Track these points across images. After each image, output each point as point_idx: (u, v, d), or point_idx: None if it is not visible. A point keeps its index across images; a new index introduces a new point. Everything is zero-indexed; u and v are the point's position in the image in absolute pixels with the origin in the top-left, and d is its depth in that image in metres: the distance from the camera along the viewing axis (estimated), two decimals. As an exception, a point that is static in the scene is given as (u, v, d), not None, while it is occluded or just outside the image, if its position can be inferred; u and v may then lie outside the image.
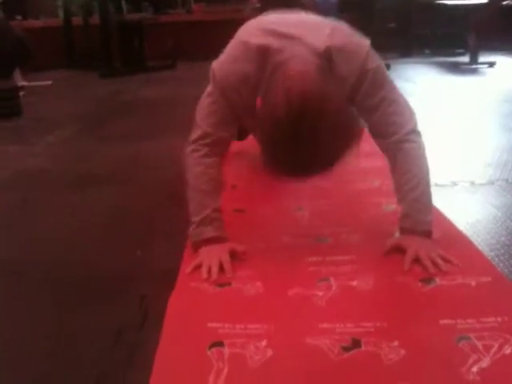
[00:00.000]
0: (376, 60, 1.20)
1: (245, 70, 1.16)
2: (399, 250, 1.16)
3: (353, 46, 1.18)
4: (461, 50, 4.85)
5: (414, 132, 1.21)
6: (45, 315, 1.05)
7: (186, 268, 1.14)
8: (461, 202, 1.52)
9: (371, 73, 1.17)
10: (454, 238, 1.25)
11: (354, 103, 1.18)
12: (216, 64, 1.21)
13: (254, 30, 1.23)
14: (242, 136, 1.83)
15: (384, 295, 1.03)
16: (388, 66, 4.26)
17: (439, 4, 4.62)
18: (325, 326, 0.91)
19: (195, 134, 1.23)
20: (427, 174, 1.21)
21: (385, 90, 1.20)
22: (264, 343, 0.87)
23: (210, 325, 0.93)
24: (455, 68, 4.27)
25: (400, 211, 1.21)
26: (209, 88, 1.23)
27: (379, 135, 1.23)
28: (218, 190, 1.24)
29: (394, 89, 1.23)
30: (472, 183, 1.64)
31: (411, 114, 1.23)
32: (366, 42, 1.19)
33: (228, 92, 1.18)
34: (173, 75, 4.47)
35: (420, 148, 1.21)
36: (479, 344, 0.84)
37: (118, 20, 4.69)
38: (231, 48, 1.22)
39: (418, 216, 1.18)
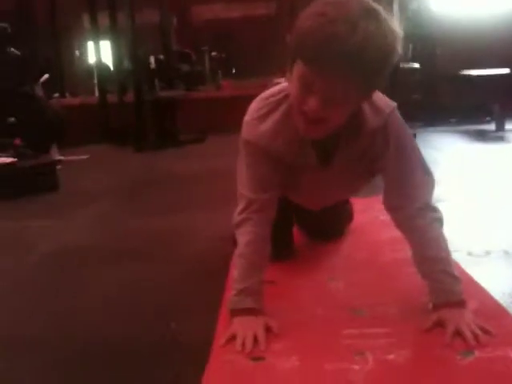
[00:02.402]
0: (401, 122, 1.23)
1: (266, 116, 1.21)
2: (438, 324, 1.14)
3: (381, 101, 1.21)
4: (487, 118, 4.90)
5: (427, 207, 1.22)
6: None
7: (220, 339, 1.14)
8: (495, 271, 1.50)
9: (394, 130, 1.20)
10: (491, 309, 1.23)
11: (374, 162, 1.23)
12: (243, 127, 1.26)
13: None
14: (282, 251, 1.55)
15: (422, 369, 1.01)
16: (414, 135, 4.32)
17: (464, 75, 4.71)
18: (363, 402, 0.90)
19: (241, 205, 1.27)
20: (446, 247, 1.21)
21: (405, 155, 1.22)
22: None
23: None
24: (481, 136, 4.29)
25: (428, 287, 1.20)
26: (241, 152, 1.28)
27: (391, 207, 1.27)
28: (265, 262, 1.26)
29: (416, 158, 1.24)
30: (506, 252, 1.63)
31: (427, 187, 1.24)
32: (393, 102, 1.22)
33: (259, 146, 1.22)
34: (203, 149, 4.60)
35: (433, 222, 1.21)
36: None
37: (151, 97, 4.92)
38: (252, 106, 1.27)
39: (447, 288, 1.17)
